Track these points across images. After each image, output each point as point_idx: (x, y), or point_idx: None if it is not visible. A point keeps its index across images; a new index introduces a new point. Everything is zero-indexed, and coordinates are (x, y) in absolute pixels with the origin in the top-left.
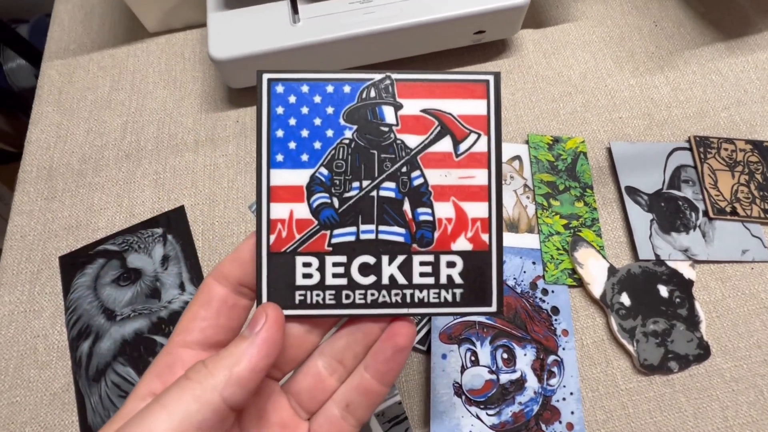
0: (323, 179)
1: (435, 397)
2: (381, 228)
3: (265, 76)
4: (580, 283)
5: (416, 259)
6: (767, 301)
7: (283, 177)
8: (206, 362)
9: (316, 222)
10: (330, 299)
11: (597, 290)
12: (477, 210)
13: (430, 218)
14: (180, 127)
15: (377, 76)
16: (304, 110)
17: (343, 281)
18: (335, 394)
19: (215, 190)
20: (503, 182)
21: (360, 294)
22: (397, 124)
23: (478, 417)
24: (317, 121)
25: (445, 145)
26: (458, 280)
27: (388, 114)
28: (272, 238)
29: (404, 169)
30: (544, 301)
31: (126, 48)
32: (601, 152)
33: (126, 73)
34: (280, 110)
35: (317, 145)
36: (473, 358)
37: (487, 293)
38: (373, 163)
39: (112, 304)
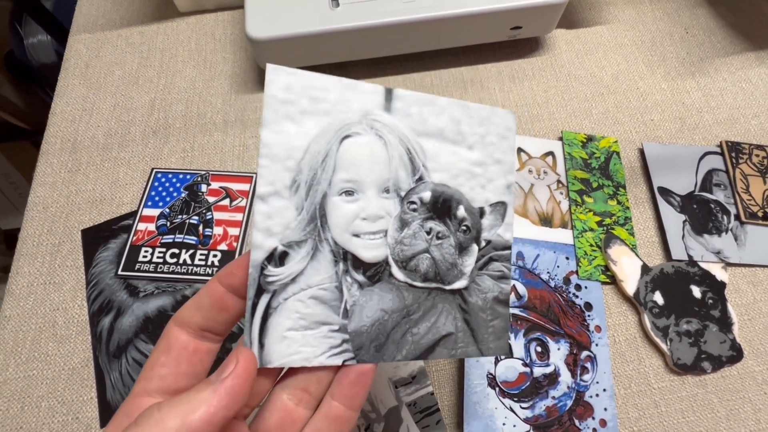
0: (165, 213)
1: (468, 388)
2: (186, 237)
3: (154, 170)
4: (613, 280)
5: (198, 251)
6: None
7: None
8: (161, 406)
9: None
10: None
11: (630, 288)
12: (234, 232)
13: (210, 234)
14: (209, 106)
15: (201, 172)
16: (166, 184)
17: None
18: (305, 428)
19: (244, 171)
20: (537, 177)
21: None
22: (206, 192)
23: (511, 409)
24: (170, 189)
25: (226, 201)
26: (217, 262)
27: (203, 187)
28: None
29: (204, 211)
30: (577, 297)
31: (155, 26)
32: (633, 153)
33: (155, 51)
34: (158, 185)
35: (167, 198)
36: None
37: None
38: (190, 207)
39: (135, 280)
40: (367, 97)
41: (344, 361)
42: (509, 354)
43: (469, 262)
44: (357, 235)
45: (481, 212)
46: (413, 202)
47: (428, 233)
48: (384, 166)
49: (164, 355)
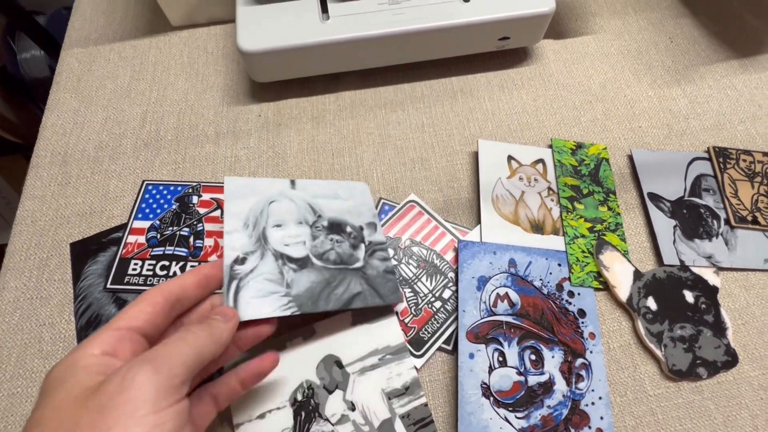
0: (156, 225)
1: (463, 398)
2: (177, 249)
3: (145, 182)
4: (605, 286)
5: (189, 263)
6: None
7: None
8: (190, 326)
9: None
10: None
11: (623, 294)
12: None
13: (201, 245)
14: (201, 118)
15: (193, 183)
16: (157, 196)
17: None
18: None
19: None
20: (528, 185)
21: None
22: (197, 203)
23: (506, 419)
24: (161, 201)
25: (218, 212)
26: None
27: (194, 199)
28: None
29: (195, 222)
30: (570, 303)
31: (148, 40)
32: (623, 159)
33: (147, 65)
34: (148, 197)
35: (158, 210)
36: (501, 359)
37: None
38: (181, 219)
39: (124, 294)
40: (281, 185)
41: (292, 312)
42: (402, 300)
43: (360, 253)
44: (287, 245)
45: (361, 228)
46: (318, 227)
47: (331, 240)
48: (295, 212)
49: (150, 306)
